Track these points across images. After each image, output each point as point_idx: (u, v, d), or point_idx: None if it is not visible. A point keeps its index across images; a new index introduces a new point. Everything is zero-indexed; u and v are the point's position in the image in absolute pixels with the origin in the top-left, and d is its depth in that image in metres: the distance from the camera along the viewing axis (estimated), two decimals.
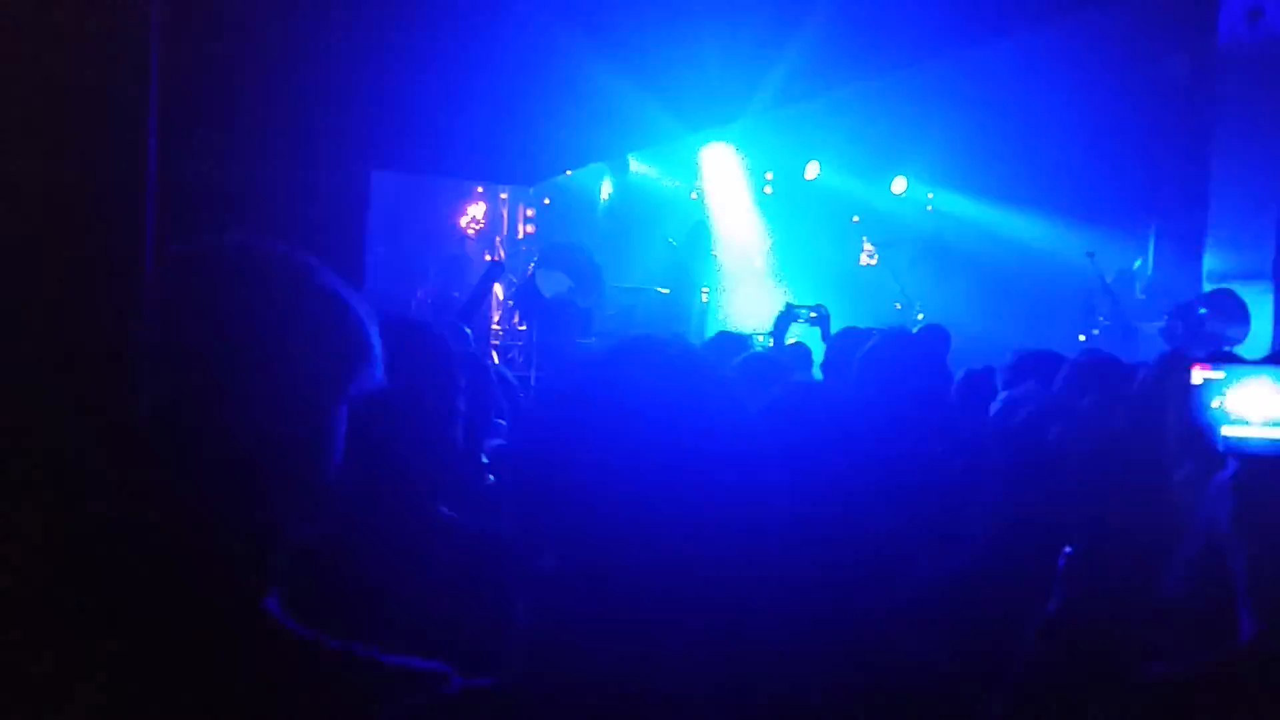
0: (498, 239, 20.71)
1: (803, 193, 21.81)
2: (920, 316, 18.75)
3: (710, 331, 15.71)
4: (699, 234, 18.89)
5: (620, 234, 20.18)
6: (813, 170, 21.45)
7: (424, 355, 3.44)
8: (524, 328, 17.47)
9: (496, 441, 5.00)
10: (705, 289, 18.14)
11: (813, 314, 10.55)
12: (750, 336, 10.20)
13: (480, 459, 4.46)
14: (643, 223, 20.49)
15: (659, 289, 18.02)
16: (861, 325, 8.81)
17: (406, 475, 3.36)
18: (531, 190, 19.77)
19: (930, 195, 22.40)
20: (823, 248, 21.76)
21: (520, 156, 8.04)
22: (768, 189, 22.01)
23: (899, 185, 21.70)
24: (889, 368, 5.55)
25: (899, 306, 19.36)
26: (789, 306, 10.52)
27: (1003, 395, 4.00)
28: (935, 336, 8.89)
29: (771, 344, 10.36)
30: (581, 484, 2.21)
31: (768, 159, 21.83)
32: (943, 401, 5.61)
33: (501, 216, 21.02)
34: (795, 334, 10.78)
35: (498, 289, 18.80)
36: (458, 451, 3.56)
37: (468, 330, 9.38)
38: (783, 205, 21.95)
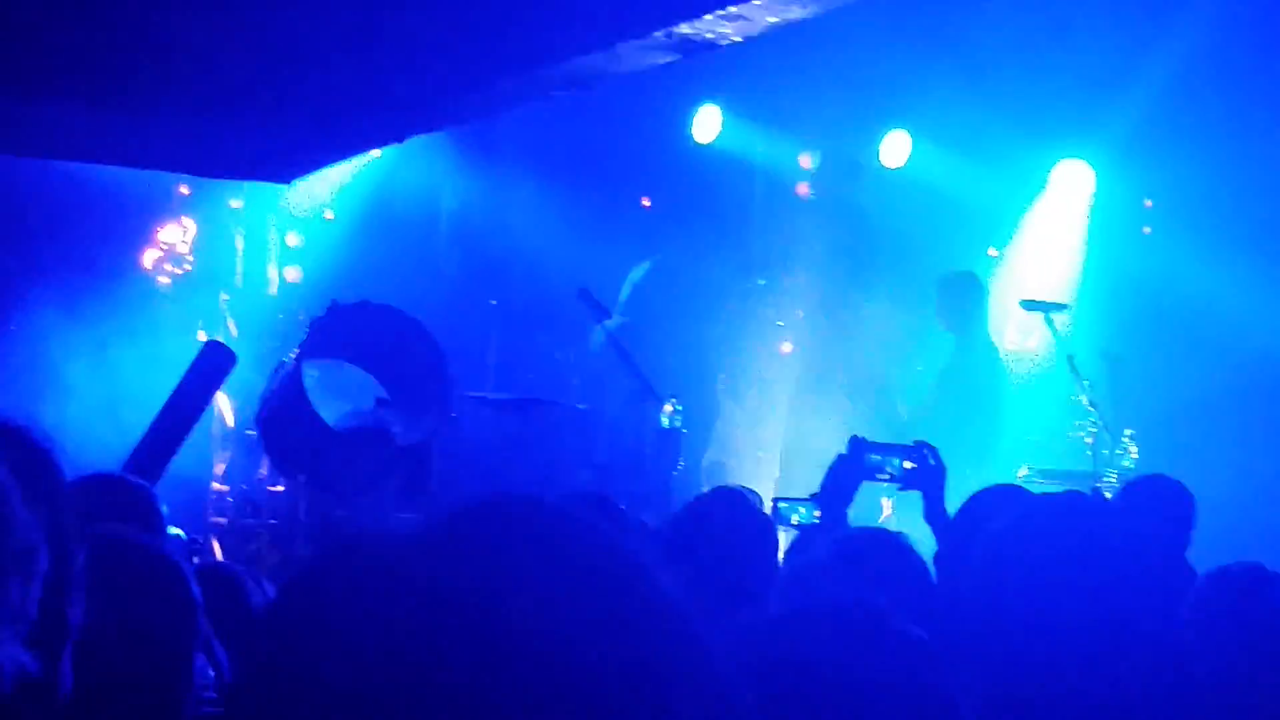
0: (223, 296, 13.59)
1: None
2: (1133, 453, 12.88)
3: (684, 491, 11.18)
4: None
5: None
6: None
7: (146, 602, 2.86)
8: (280, 487, 11.65)
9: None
10: (672, 400, 12.55)
11: (906, 463, 7.42)
12: (774, 504, 7.60)
13: None
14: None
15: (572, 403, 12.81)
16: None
17: None
18: (289, 193, 12.77)
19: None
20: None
21: (266, 123, 5.95)
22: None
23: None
24: (1046, 578, 3.36)
25: (1088, 435, 13.10)
26: (856, 445, 7.40)
27: None
28: (1163, 501, 7.53)
29: (819, 515, 7.38)
30: None
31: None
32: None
33: (233, 248, 14.21)
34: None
35: (224, 403, 12.39)
36: None
37: (161, 506, 5.32)
38: None
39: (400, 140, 6.70)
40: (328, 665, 1.46)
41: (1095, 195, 15.05)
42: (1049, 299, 13.38)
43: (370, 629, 1.45)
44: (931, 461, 7.45)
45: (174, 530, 7.12)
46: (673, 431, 11.78)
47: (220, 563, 5.54)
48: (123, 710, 3.05)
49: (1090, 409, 12.67)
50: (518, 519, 1.54)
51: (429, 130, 7.89)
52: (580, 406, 12.57)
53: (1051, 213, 15.16)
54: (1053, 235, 15.10)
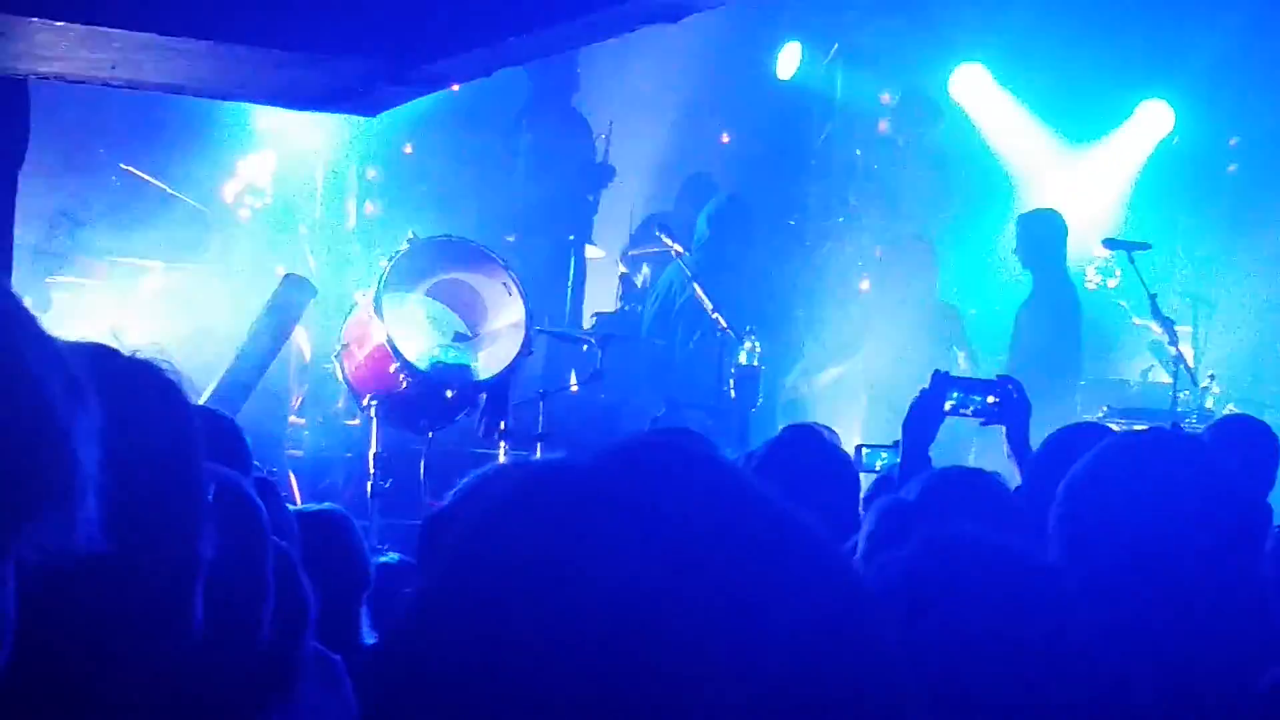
0: (302, 230, 13.42)
1: None
2: (1214, 391, 12.66)
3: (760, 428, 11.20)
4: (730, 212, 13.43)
5: None
6: None
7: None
8: (357, 421, 11.41)
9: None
10: (751, 336, 12.08)
11: (990, 399, 7.18)
12: (856, 450, 7.45)
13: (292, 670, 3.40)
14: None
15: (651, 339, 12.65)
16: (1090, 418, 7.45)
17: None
18: (368, 127, 12.71)
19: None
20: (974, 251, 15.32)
21: (352, 55, 5.51)
22: None
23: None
24: (1130, 513, 3.38)
25: (1169, 376, 12.87)
26: (940, 380, 7.07)
27: None
28: (1249, 442, 6.77)
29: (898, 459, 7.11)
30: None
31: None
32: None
33: (313, 182, 13.73)
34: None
35: (302, 337, 11.92)
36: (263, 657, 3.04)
37: (245, 437, 5.02)
38: None
39: (488, 74, 6.50)
40: (509, 606, 1.46)
41: (1174, 133, 14.88)
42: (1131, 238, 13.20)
43: (549, 567, 1.46)
44: (1015, 396, 7.29)
45: (255, 464, 7.10)
46: (751, 368, 11.62)
47: (330, 509, 5.51)
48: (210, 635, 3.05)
49: (1171, 349, 12.52)
50: (679, 462, 1.55)
51: (516, 63, 7.63)
52: (658, 342, 12.42)
53: (1129, 150, 15.01)
54: (1131, 174, 14.96)
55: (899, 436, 7.49)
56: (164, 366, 2.47)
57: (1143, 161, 14.95)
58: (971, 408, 7.42)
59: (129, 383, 2.34)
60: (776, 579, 1.47)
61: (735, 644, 1.43)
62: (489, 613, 1.49)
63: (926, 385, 7.21)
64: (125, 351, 2.46)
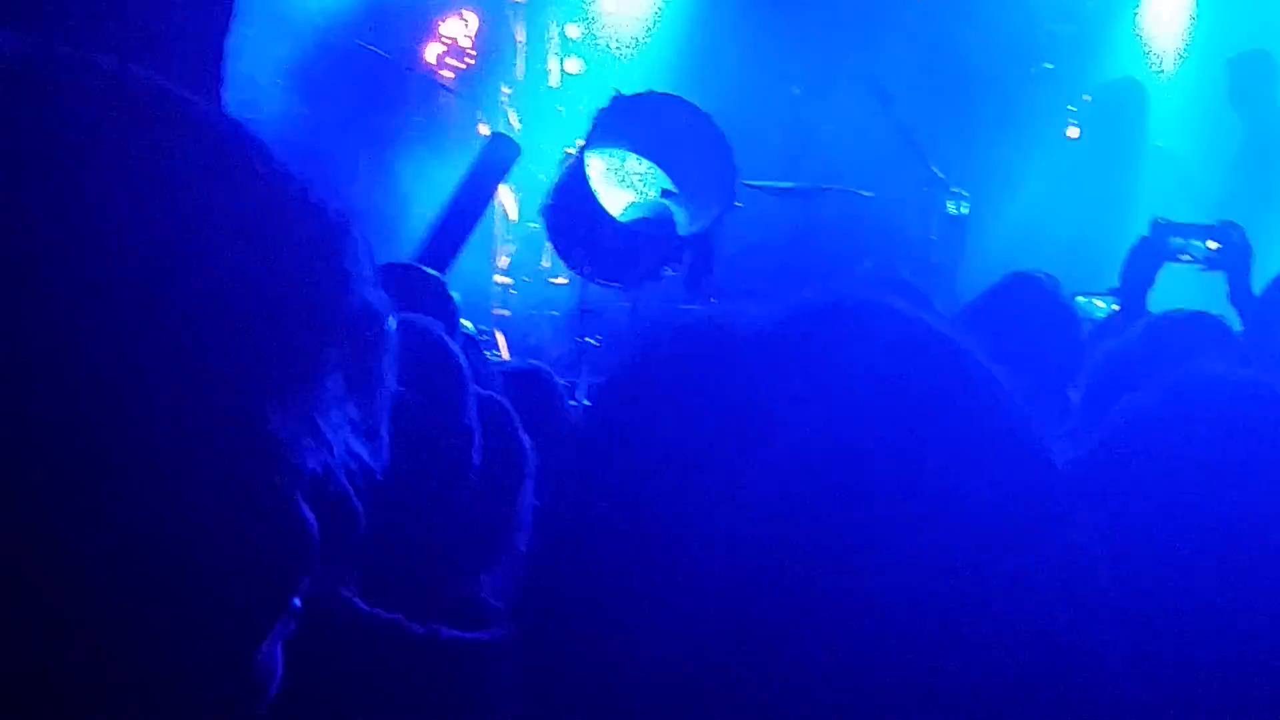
0: (504, 90, 13.06)
1: None
2: None
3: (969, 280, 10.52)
4: None
5: None
6: None
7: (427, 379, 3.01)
8: (563, 280, 11.57)
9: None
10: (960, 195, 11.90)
11: (1210, 244, 7.09)
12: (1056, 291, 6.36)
13: (513, 523, 3.60)
14: None
15: (858, 190, 11.93)
16: None
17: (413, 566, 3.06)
18: None
19: None
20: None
21: None
22: None
23: None
24: None
25: None
26: (1158, 227, 7.08)
27: None
28: None
29: (1118, 307, 7.14)
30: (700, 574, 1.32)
31: None
32: None
33: (514, 41, 13.44)
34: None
35: (507, 196, 12.03)
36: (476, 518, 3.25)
37: (453, 295, 5.53)
38: None
39: None
40: (655, 460, 1.38)
41: None
42: None
43: (709, 423, 1.36)
44: (1237, 241, 7.09)
45: (464, 323, 7.11)
46: (959, 218, 11.42)
47: (531, 364, 5.48)
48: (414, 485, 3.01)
49: None
50: (866, 322, 1.45)
51: None
52: (865, 193, 12.19)
53: None
54: None
55: (1113, 284, 7.31)
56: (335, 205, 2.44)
57: None
58: (1191, 254, 7.21)
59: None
60: (974, 460, 1.37)
61: (915, 524, 1.33)
62: (635, 485, 1.38)
63: (1146, 232, 7.04)
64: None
